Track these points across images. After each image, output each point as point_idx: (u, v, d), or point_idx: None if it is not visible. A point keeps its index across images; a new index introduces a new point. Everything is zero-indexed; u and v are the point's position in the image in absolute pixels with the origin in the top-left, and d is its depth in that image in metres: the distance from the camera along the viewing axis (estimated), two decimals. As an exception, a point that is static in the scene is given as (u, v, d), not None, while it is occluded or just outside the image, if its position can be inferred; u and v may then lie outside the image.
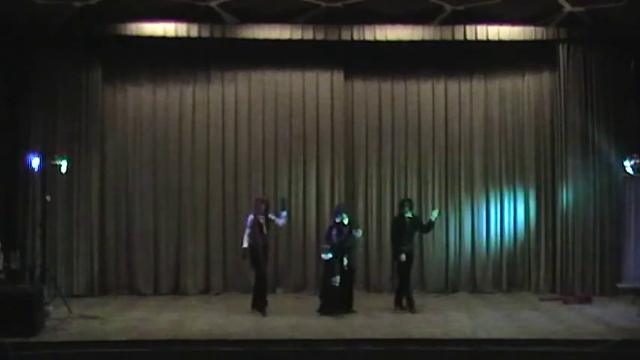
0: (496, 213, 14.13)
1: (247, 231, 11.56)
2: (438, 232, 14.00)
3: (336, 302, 11.41)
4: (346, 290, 11.59)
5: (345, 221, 11.61)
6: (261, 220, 11.59)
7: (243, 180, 14.00)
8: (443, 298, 13.41)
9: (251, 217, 11.62)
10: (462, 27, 13.26)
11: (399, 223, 12.01)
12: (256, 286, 11.64)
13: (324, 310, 11.45)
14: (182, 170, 13.93)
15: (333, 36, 13.36)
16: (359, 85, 14.31)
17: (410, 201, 12.29)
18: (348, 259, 11.52)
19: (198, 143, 13.98)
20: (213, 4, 12.62)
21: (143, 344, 9.55)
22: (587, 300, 12.67)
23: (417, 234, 12.33)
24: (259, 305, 11.50)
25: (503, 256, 14.05)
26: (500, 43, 13.51)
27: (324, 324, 10.76)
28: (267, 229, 11.72)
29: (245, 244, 11.58)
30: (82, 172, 13.34)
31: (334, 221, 11.74)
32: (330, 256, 11.41)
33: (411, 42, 13.43)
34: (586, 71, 13.60)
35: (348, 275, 11.57)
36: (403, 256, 11.74)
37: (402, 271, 11.88)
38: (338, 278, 11.35)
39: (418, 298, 12.21)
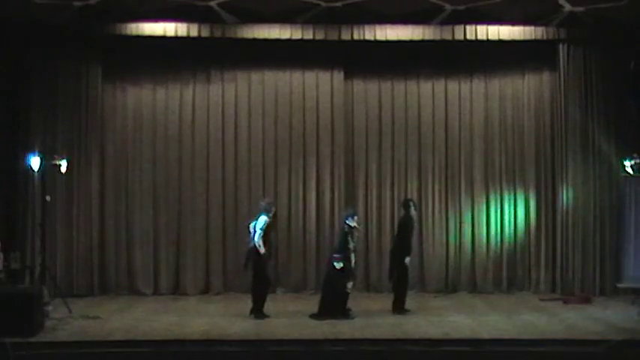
0: (496, 213, 14.12)
1: (261, 233, 11.14)
2: (438, 232, 14.03)
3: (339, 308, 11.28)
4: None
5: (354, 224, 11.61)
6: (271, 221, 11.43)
7: (243, 180, 13.99)
8: (443, 298, 13.41)
9: (265, 218, 11.24)
10: (462, 27, 13.26)
11: (410, 223, 11.91)
12: (261, 289, 11.40)
13: (322, 315, 11.22)
14: (182, 170, 13.93)
15: (333, 36, 13.36)
16: (359, 85, 14.31)
17: (414, 202, 12.34)
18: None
19: (198, 143, 13.97)
20: (213, 4, 12.62)
21: (143, 344, 9.55)
22: (587, 300, 12.67)
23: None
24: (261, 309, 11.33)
25: (503, 256, 14.05)
26: (500, 43, 13.52)
27: (324, 324, 10.75)
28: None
29: (263, 249, 11.15)
30: (82, 172, 13.34)
31: (350, 226, 11.44)
32: (341, 265, 11.24)
33: (411, 42, 13.43)
34: (586, 71, 13.60)
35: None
36: (408, 259, 11.69)
37: (406, 274, 11.82)
38: (351, 284, 11.35)
39: (418, 298, 12.21)
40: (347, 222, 11.45)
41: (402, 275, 11.78)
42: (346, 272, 11.25)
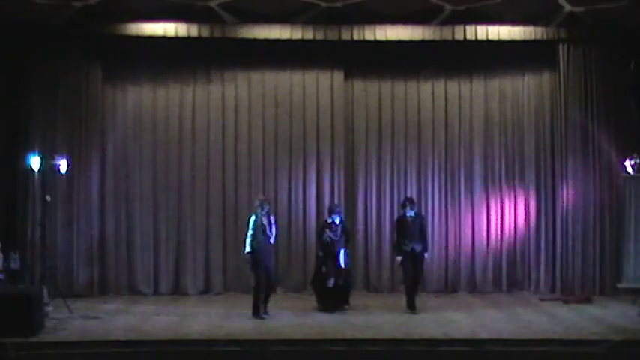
0: (496, 213, 14.13)
1: (251, 232, 11.29)
2: (437, 232, 14.04)
3: (333, 300, 11.62)
4: (344, 290, 11.71)
5: (337, 221, 11.69)
6: (264, 221, 11.44)
7: (243, 180, 13.99)
8: (443, 298, 13.41)
9: (254, 218, 11.36)
10: (462, 27, 13.26)
11: (399, 223, 11.98)
12: (254, 289, 11.43)
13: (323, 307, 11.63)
14: (182, 170, 13.93)
15: (333, 36, 13.36)
16: (359, 85, 14.32)
17: (411, 200, 12.28)
18: (346, 259, 11.61)
19: (198, 143, 13.98)
20: (213, 4, 12.63)
21: (143, 344, 9.55)
22: (587, 300, 12.68)
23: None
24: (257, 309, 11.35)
25: (503, 256, 14.05)
26: (500, 43, 13.51)
27: (324, 324, 10.77)
28: (270, 231, 11.51)
29: (248, 249, 11.31)
30: (82, 172, 13.34)
31: (325, 221, 11.91)
32: (332, 282, 11.65)
33: (411, 42, 13.42)
34: (586, 71, 13.60)
35: (345, 275, 11.69)
36: (399, 258, 11.77)
37: (406, 271, 11.83)
38: (333, 280, 11.48)
39: (418, 298, 12.18)
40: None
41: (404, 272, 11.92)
42: (325, 269, 11.66)
